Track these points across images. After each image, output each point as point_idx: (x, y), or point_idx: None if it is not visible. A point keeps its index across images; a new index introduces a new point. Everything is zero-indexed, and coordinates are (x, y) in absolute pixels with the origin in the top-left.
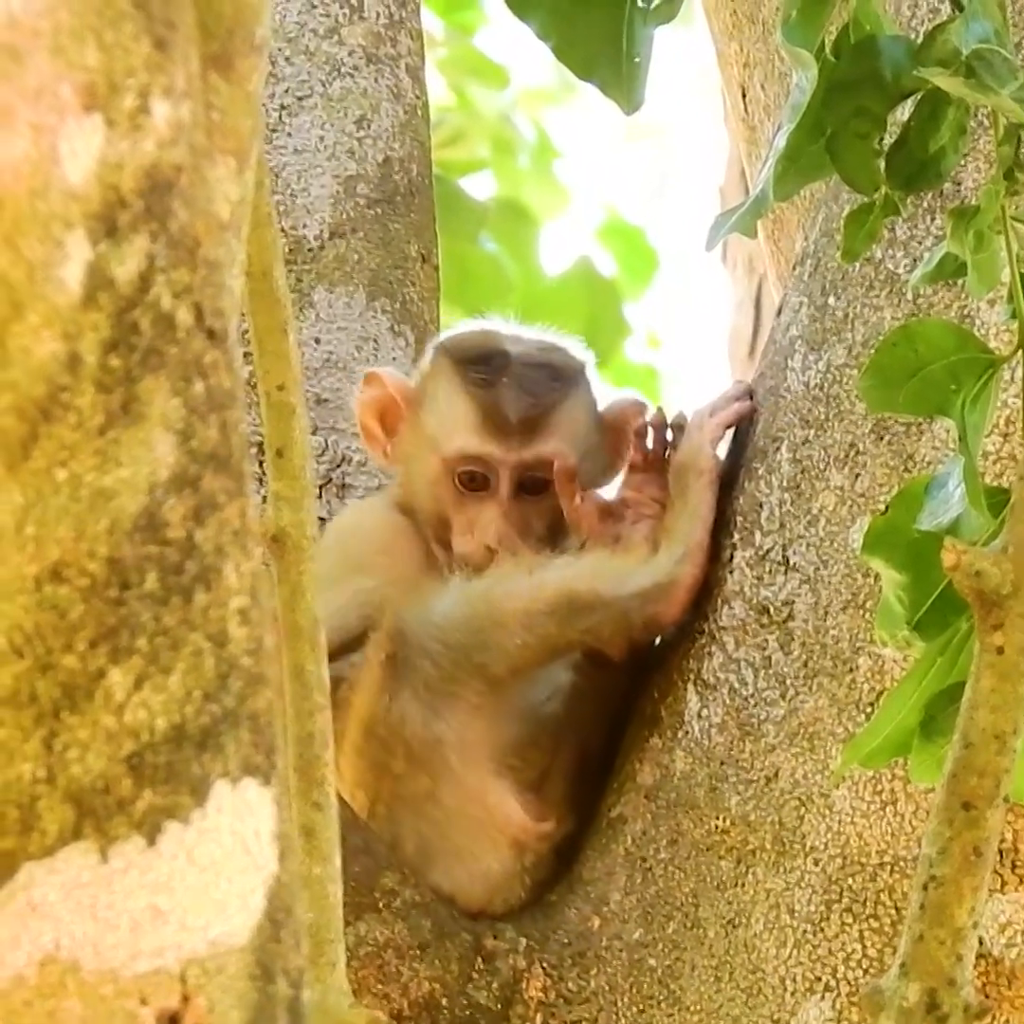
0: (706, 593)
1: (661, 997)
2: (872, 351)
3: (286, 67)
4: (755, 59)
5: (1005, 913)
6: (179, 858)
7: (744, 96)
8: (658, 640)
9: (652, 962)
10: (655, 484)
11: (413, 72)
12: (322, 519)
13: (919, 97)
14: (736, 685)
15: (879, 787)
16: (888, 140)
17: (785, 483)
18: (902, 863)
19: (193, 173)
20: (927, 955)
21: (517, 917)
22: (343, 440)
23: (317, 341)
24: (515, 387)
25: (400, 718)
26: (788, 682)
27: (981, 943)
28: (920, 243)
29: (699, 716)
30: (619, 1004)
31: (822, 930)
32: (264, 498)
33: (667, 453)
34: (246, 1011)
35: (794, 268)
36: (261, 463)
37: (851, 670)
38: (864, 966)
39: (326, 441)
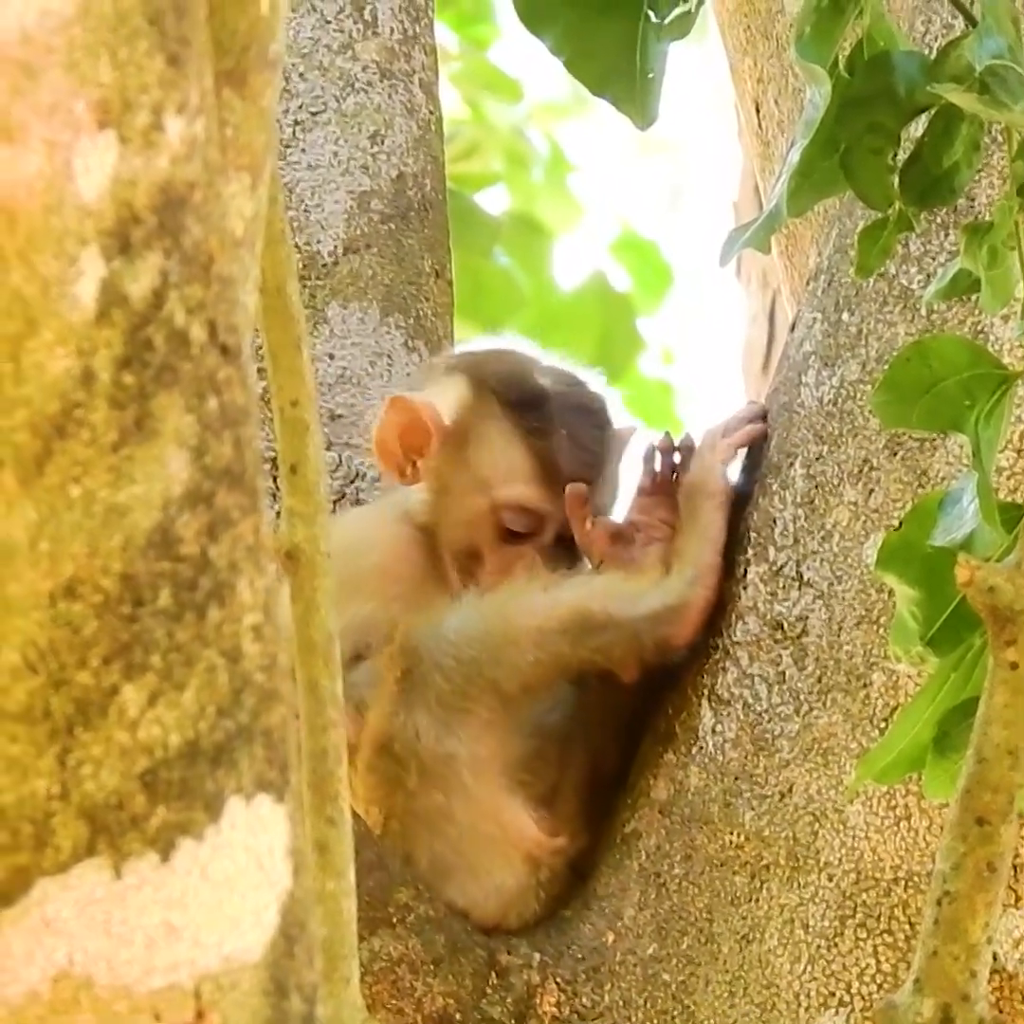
0: (720, 609)
1: (675, 1012)
2: (886, 367)
3: (300, 83)
4: (769, 74)
5: (1019, 928)
6: (193, 874)
7: (758, 111)
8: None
9: (666, 977)
10: (665, 507)
11: (427, 87)
12: None
13: (933, 113)
14: (750, 700)
15: (893, 802)
16: (902, 156)
17: (799, 498)
18: (916, 878)
19: (207, 189)
20: (941, 970)
21: (531, 932)
22: (357, 456)
23: (331, 357)
24: (569, 440)
25: (413, 733)
26: (802, 697)
27: (995, 958)
28: (934, 259)
29: (713, 731)
30: (633, 1019)
31: (836, 945)
32: (278, 514)
33: (676, 475)
34: None
35: (808, 283)
36: (275, 479)
37: (865, 685)
38: (878, 981)
39: (340, 457)
